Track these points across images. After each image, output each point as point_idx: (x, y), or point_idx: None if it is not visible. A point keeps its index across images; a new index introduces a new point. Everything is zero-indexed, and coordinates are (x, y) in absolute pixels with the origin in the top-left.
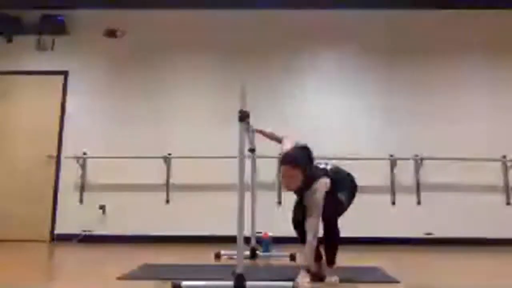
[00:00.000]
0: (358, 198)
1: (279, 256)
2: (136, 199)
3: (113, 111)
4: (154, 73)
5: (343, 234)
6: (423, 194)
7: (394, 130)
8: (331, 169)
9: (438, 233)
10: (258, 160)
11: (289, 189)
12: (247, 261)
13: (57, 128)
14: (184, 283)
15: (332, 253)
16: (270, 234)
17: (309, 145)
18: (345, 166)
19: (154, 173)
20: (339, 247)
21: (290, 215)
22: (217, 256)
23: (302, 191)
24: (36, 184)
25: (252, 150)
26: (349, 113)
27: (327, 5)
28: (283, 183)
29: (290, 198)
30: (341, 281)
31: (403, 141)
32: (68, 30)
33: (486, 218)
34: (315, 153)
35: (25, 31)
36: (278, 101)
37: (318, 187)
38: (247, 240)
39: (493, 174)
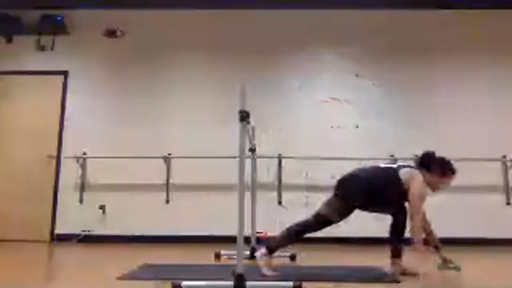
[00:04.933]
0: None
1: (279, 256)
2: (136, 199)
3: (113, 111)
4: (154, 73)
5: (343, 234)
6: None
7: (394, 130)
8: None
9: (438, 233)
10: (258, 160)
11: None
12: (247, 261)
13: (57, 128)
14: (184, 283)
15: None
16: (270, 234)
17: (310, 145)
18: (346, 166)
19: (154, 173)
20: (342, 247)
21: (289, 215)
22: (217, 256)
23: None
24: (36, 184)
25: (252, 150)
26: (349, 113)
27: (327, 5)
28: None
29: (290, 198)
30: (341, 281)
31: (403, 141)
32: (68, 30)
33: (486, 218)
34: (317, 153)
35: (25, 31)
36: (279, 100)
37: None
38: (247, 240)
39: (493, 174)
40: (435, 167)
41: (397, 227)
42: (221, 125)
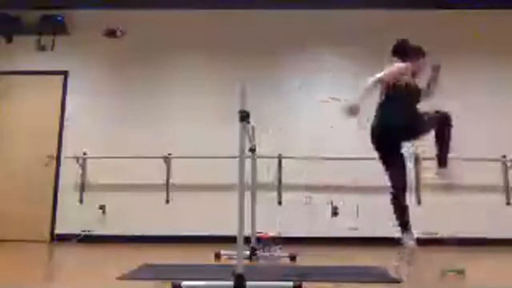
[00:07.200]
0: (359, 198)
1: (279, 256)
2: (136, 199)
3: (113, 111)
4: (154, 73)
5: (343, 234)
6: (423, 194)
7: None
8: None
9: (438, 233)
10: (258, 160)
11: None
12: (247, 261)
13: (57, 128)
14: (184, 283)
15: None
16: (270, 234)
17: (310, 145)
18: (346, 166)
19: (154, 173)
20: None
21: (289, 215)
22: (217, 256)
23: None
24: (36, 184)
25: (252, 150)
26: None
27: (327, 5)
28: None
29: (289, 198)
30: (341, 281)
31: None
32: (68, 30)
33: (486, 218)
34: (317, 153)
35: (25, 31)
36: (279, 100)
37: None
38: (247, 240)
39: (493, 174)
40: (411, 52)
41: (439, 137)
42: (221, 125)
